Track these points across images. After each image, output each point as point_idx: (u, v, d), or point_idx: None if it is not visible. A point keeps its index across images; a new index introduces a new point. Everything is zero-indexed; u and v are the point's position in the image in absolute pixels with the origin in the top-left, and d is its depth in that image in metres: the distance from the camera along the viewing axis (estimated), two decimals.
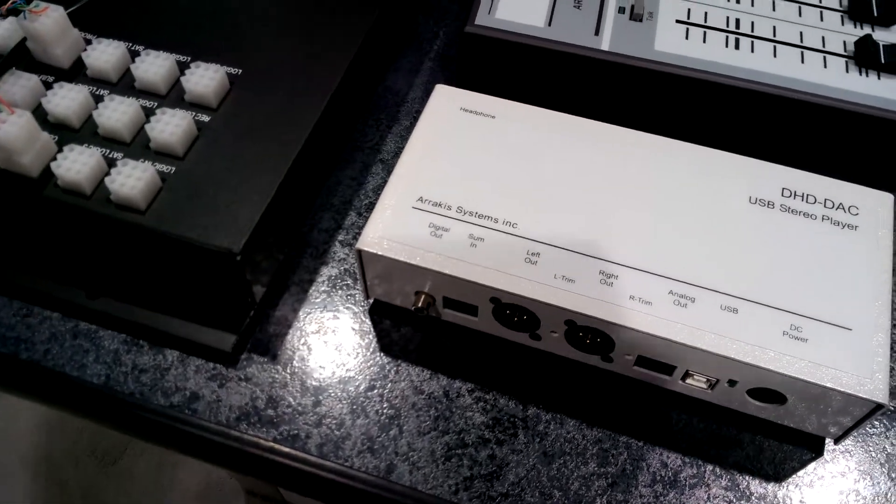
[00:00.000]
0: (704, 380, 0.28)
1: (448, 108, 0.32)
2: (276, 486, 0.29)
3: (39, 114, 0.31)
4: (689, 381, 0.28)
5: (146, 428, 0.29)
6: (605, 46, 0.34)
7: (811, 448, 0.29)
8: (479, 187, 0.29)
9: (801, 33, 0.36)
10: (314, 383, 0.30)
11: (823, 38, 0.36)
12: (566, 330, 0.28)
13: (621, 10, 0.36)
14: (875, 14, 0.36)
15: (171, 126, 0.30)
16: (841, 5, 0.37)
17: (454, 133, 0.31)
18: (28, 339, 0.31)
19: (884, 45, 0.35)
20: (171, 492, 0.99)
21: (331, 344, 0.31)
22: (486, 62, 0.36)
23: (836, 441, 0.28)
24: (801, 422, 0.28)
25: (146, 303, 0.31)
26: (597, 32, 0.35)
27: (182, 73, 0.32)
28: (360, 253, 0.28)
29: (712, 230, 0.28)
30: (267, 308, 0.32)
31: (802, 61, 0.35)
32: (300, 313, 0.32)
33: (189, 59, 0.33)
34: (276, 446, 0.28)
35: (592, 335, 0.28)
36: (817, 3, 0.37)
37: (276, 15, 0.35)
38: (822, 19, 0.36)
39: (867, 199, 0.29)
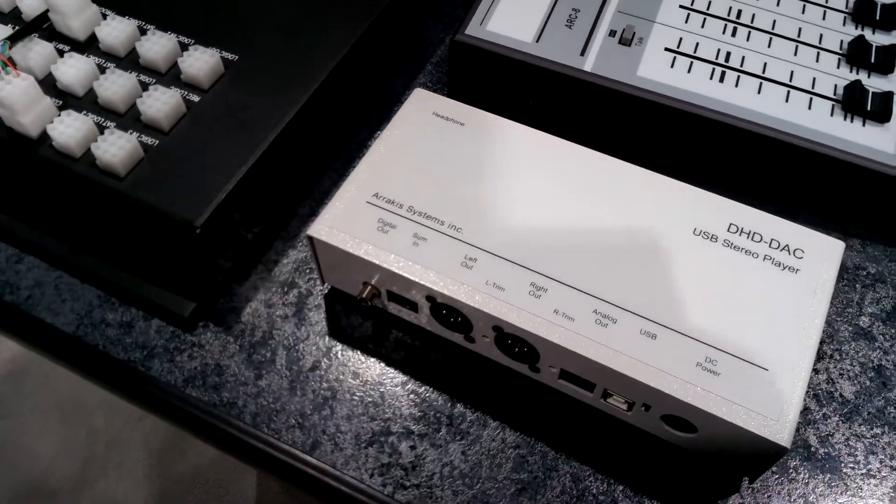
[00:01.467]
0: (623, 401, 0.28)
1: (421, 111, 0.33)
2: (212, 445, 0.31)
3: (49, 80, 0.34)
4: (609, 400, 0.29)
5: (105, 377, 0.32)
6: (587, 67, 0.35)
7: (728, 484, 0.29)
8: (434, 190, 0.31)
9: (791, 72, 0.36)
10: (260, 358, 0.32)
11: (814, 79, 0.35)
12: (496, 336, 0.29)
13: (612, 33, 0.36)
14: (873, 61, 0.36)
15: (159, 102, 0.32)
16: (841, 48, 0.37)
17: (422, 136, 0.32)
18: (15, 283, 0.34)
19: (873, 93, 0.34)
20: (187, 453, 1.04)
21: (283, 323, 0.32)
22: (472, 71, 0.37)
23: (751, 480, 0.29)
24: (716, 455, 0.28)
25: (121, 263, 0.33)
26: (582, 53, 0.36)
27: (181, 53, 0.34)
28: (310, 239, 0.30)
29: (650, 256, 0.29)
30: (232, 282, 0.34)
31: (787, 100, 0.35)
32: (261, 291, 0.33)
33: (192, 41, 0.35)
34: (214, 410, 0.30)
35: (520, 344, 0.29)
36: (816, 43, 0.37)
37: (279, 7, 0.37)
38: (817, 60, 0.36)
39: (816, 244, 0.29)
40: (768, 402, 0.25)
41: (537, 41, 0.36)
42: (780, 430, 0.25)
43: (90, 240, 0.34)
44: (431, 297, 0.29)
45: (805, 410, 0.30)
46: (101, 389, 0.33)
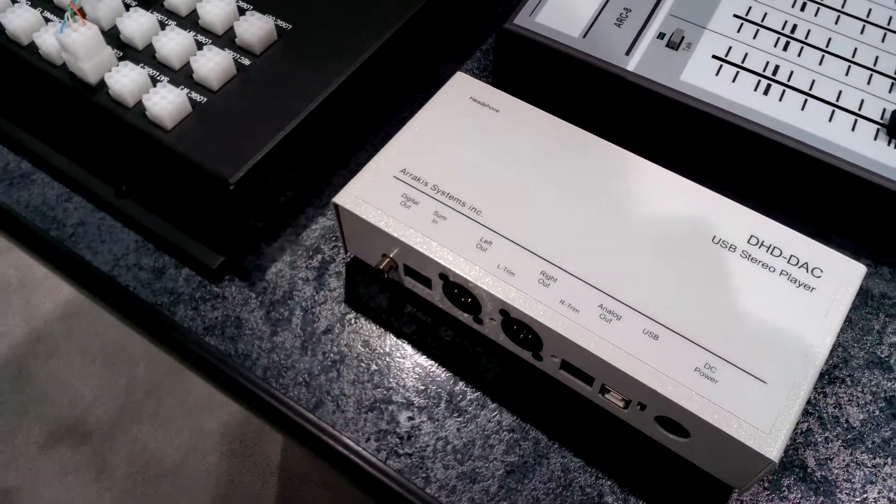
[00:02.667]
0: (620, 398, 0.28)
1: (460, 94, 0.34)
2: (221, 390, 0.32)
3: (114, 31, 0.36)
4: (607, 396, 0.29)
5: (131, 316, 0.34)
6: (630, 67, 0.35)
7: (717, 495, 0.29)
8: (460, 172, 0.31)
9: (839, 92, 0.35)
10: (277, 315, 0.33)
11: (863, 101, 0.35)
12: (502, 320, 0.29)
13: (661, 35, 0.36)
14: None
15: (211, 63, 0.34)
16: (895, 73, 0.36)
17: (457, 118, 0.33)
18: (62, 220, 0.36)
19: None
20: (218, 411, 1.07)
21: (304, 285, 0.34)
22: (517, 61, 0.38)
23: (741, 492, 0.28)
24: (706, 463, 0.28)
25: (160, 212, 0.35)
26: (628, 52, 0.36)
27: (238, 17, 0.36)
28: (336, 206, 0.31)
29: (664, 258, 0.29)
30: (261, 241, 0.35)
31: (830, 120, 0.34)
32: (287, 252, 0.35)
33: (251, 7, 0.37)
34: (228, 360, 0.32)
35: (525, 330, 0.29)
36: (870, 65, 0.36)
37: None
38: (869, 83, 0.35)
39: (836, 265, 0.29)
40: (762, 415, 0.25)
41: (584, 37, 0.36)
42: (769, 444, 0.25)
43: (134, 186, 0.36)
44: (444, 275, 0.30)
45: (807, 431, 0.30)
46: (144, 339, 0.34)
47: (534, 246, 0.29)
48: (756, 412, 0.25)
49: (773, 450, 0.25)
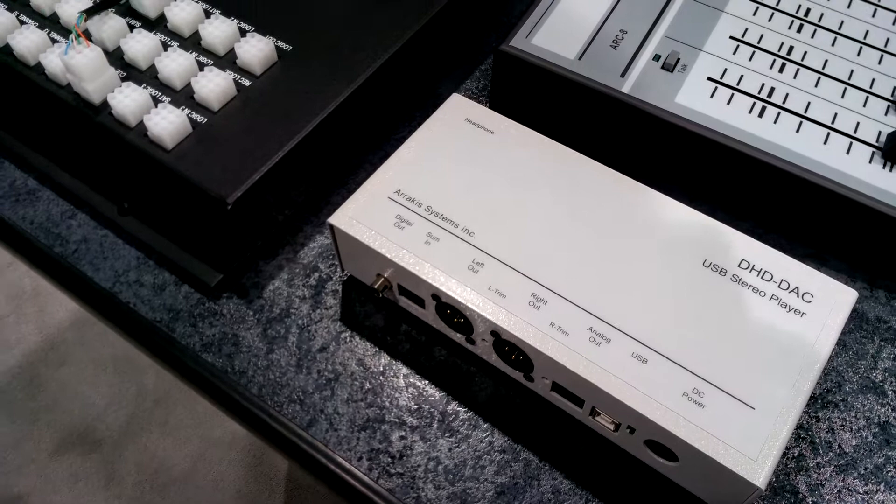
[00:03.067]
0: (610, 421, 0.29)
1: (455, 116, 0.34)
2: (217, 406, 0.32)
3: (118, 52, 0.37)
4: (597, 418, 0.29)
5: (131, 332, 0.34)
6: (625, 89, 0.35)
7: None
8: (454, 193, 0.32)
9: (835, 114, 0.35)
10: (274, 333, 0.33)
11: (858, 123, 0.35)
12: (494, 341, 0.30)
13: (656, 57, 0.37)
14: None
15: (212, 83, 0.34)
16: (893, 95, 0.36)
17: (451, 140, 0.33)
18: (65, 237, 0.36)
19: None
20: (227, 421, 1.08)
21: (301, 303, 0.34)
22: (514, 82, 0.38)
23: None
24: (695, 487, 0.28)
25: (160, 229, 0.36)
26: (623, 74, 0.36)
27: (240, 39, 0.36)
28: (331, 227, 0.31)
29: (655, 282, 0.29)
30: (259, 259, 0.35)
31: (825, 142, 0.34)
32: (285, 270, 0.35)
33: (252, 28, 0.37)
34: (224, 377, 0.32)
35: (516, 352, 0.29)
36: (867, 87, 0.36)
37: (338, 2, 0.39)
38: (864, 105, 0.35)
39: (827, 290, 0.29)
40: (749, 441, 0.25)
41: (580, 58, 0.36)
42: (756, 470, 0.25)
43: (136, 204, 0.36)
44: (436, 296, 0.30)
45: (799, 456, 0.30)
46: None
47: (525, 268, 0.29)
48: (743, 438, 0.25)
49: (759, 476, 0.25)
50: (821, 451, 0.30)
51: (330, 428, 0.31)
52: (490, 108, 0.39)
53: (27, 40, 0.36)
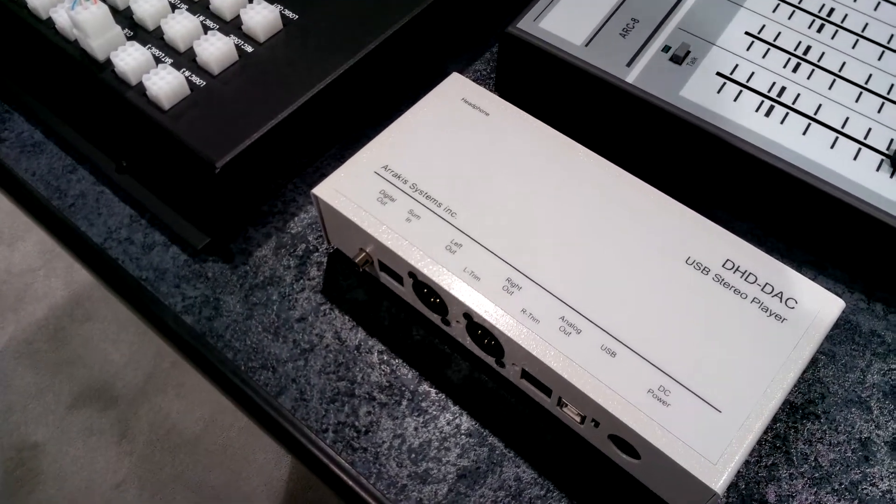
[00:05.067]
0: (576, 412, 0.28)
1: (452, 95, 0.34)
2: (192, 366, 0.33)
3: (128, 12, 0.37)
4: (564, 409, 0.29)
5: (116, 288, 0.35)
6: (629, 79, 0.34)
7: None
8: (441, 172, 0.31)
9: (846, 118, 0.34)
10: (255, 300, 0.33)
11: (869, 129, 0.33)
12: (467, 323, 0.29)
13: (665, 48, 0.36)
14: None
15: (213, 47, 0.34)
16: None
17: (445, 119, 0.33)
18: (64, 190, 0.37)
19: None
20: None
21: (285, 272, 0.34)
22: (519, 66, 0.37)
23: None
24: (657, 487, 0.28)
25: (156, 189, 0.36)
26: (629, 64, 0.35)
27: (246, 5, 0.36)
28: (315, 197, 0.31)
29: (634, 276, 0.28)
30: (248, 225, 0.36)
31: (832, 147, 0.33)
32: (272, 238, 0.35)
33: None
34: (205, 339, 0.32)
35: (488, 336, 0.29)
36: (883, 93, 0.35)
37: None
38: (879, 111, 0.34)
39: (812, 297, 0.28)
40: (711, 444, 0.25)
41: (587, 45, 0.36)
42: (715, 474, 0.24)
43: (134, 163, 0.37)
44: (413, 274, 0.30)
45: (772, 466, 0.29)
46: None
47: (503, 252, 0.29)
48: (705, 440, 0.25)
49: (717, 481, 0.24)
50: (795, 462, 0.29)
51: (299, 397, 0.31)
52: (495, 90, 0.39)
53: None
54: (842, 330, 0.32)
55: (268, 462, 1.04)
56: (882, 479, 0.29)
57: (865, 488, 0.29)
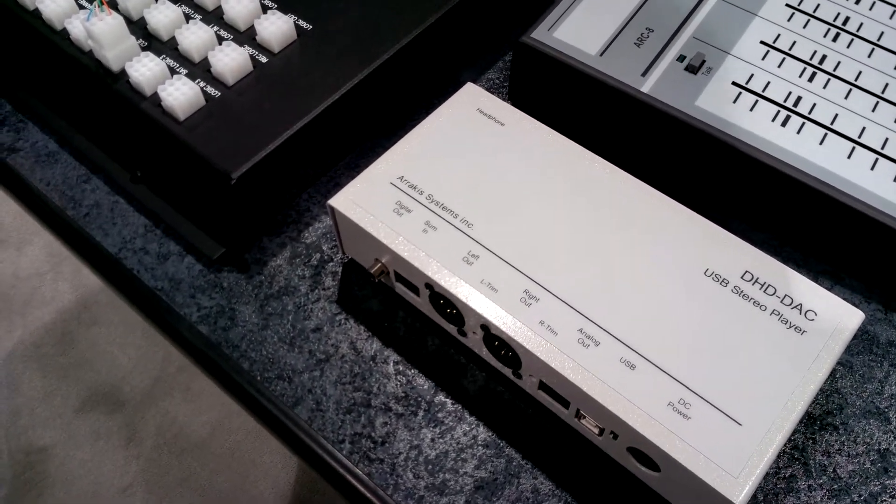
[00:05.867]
0: (594, 424, 0.28)
1: (467, 105, 0.34)
2: (209, 377, 0.33)
3: (142, 23, 0.37)
4: (582, 421, 0.28)
5: (132, 298, 0.35)
6: (644, 88, 0.34)
7: None
8: (457, 183, 0.31)
9: (863, 128, 0.34)
10: (271, 310, 0.33)
11: (887, 139, 0.33)
12: (483, 335, 0.29)
13: (681, 58, 0.36)
14: None
15: (227, 58, 0.34)
16: None
17: (460, 129, 0.33)
18: (79, 200, 0.37)
19: None
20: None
21: (300, 282, 0.34)
22: (533, 75, 0.37)
23: None
24: (677, 500, 0.27)
25: (171, 199, 0.36)
26: (644, 73, 0.35)
27: (260, 15, 0.36)
28: (331, 208, 0.31)
29: (652, 288, 0.28)
30: (263, 235, 0.36)
31: (849, 157, 0.33)
32: (287, 249, 0.35)
33: (275, 6, 0.37)
34: (221, 350, 0.32)
35: (505, 348, 0.29)
36: None
37: None
38: None
39: (831, 309, 0.28)
40: (732, 457, 0.25)
41: (601, 55, 0.36)
42: (735, 488, 0.24)
43: (148, 173, 0.37)
44: (430, 285, 0.30)
45: (790, 477, 0.29)
46: None
47: (521, 264, 0.29)
48: (726, 454, 0.25)
49: (738, 494, 0.24)
50: (814, 473, 0.29)
51: (316, 408, 0.31)
52: (508, 99, 0.39)
53: (55, 4, 0.37)
54: (859, 340, 0.32)
55: (275, 465, 1.04)
56: None
57: (885, 500, 0.29)
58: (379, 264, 0.32)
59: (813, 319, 0.28)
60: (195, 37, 0.35)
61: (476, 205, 0.31)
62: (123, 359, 1.14)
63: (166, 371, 1.13)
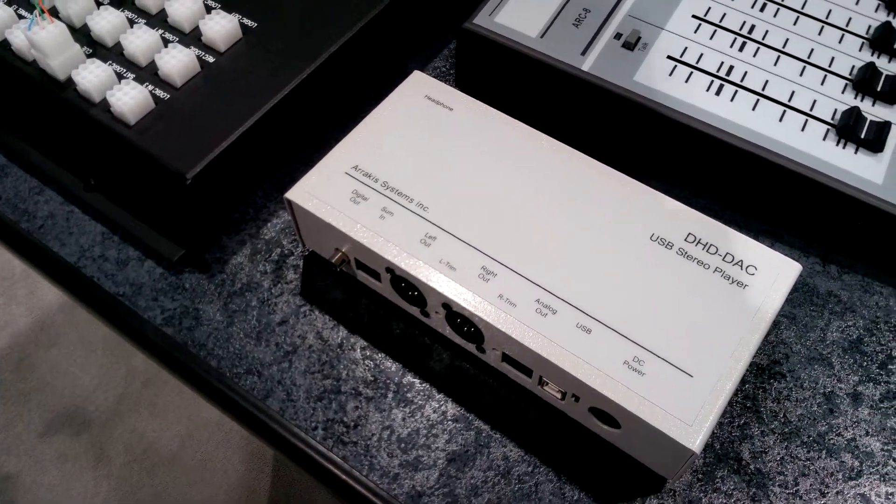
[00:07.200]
0: (557, 390, 0.29)
1: (415, 93, 0.35)
2: (178, 379, 0.33)
3: (85, 29, 0.37)
4: (545, 387, 0.30)
5: (95, 307, 0.35)
6: (585, 67, 0.36)
7: (650, 484, 0.30)
8: (410, 169, 0.32)
9: (792, 92, 0.35)
10: (235, 307, 0.34)
11: (815, 101, 0.35)
12: (446, 313, 0.30)
13: (617, 36, 0.37)
14: (879, 89, 0.35)
15: (174, 60, 0.35)
16: (850, 74, 0.36)
17: (410, 116, 0.34)
18: (32, 212, 0.37)
19: (870, 121, 0.34)
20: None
21: (262, 277, 0.35)
22: (478, 60, 0.38)
23: (672, 482, 0.29)
24: (638, 453, 0.29)
25: (126, 205, 0.36)
26: (584, 53, 0.36)
27: (205, 16, 0.37)
28: (288, 201, 0.32)
29: (603, 255, 0.30)
30: (222, 234, 0.36)
31: (781, 120, 0.34)
32: (247, 246, 0.36)
33: (219, 5, 0.38)
34: (187, 350, 0.33)
35: (468, 324, 0.30)
36: (825, 66, 0.36)
37: None
38: (822, 83, 0.36)
39: (770, 262, 0.29)
40: (686, 407, 0.26)
41: (542, 37, 0.37)
42: (691, 435, 0.26)
43: (102, 180, 0.37)
44: (390, 269, 0.31)
45: (744, 425, 0.31)
46: None
47: (477, 242, 0.30)
48: (680, 405, 0.26)
49: (695, 441, 0.26)
50: (766, 419, 0.31)
51: (286, 398, 0.32)
52: (455, 86, 0.40)
53: None
54: (800, 293, 0.34)
55: (249, 472, 1.03)
56: (846, 429, 0.31)
57: (832, 438, 0.30)
58: (339, 253, 0.32)
59: (754, 274, 0.29)
60: (140, 41, 0.35)
61: (430, 188, 0.31)
62: (85, 378, 1.12)
63: (131, 387, 1.11)
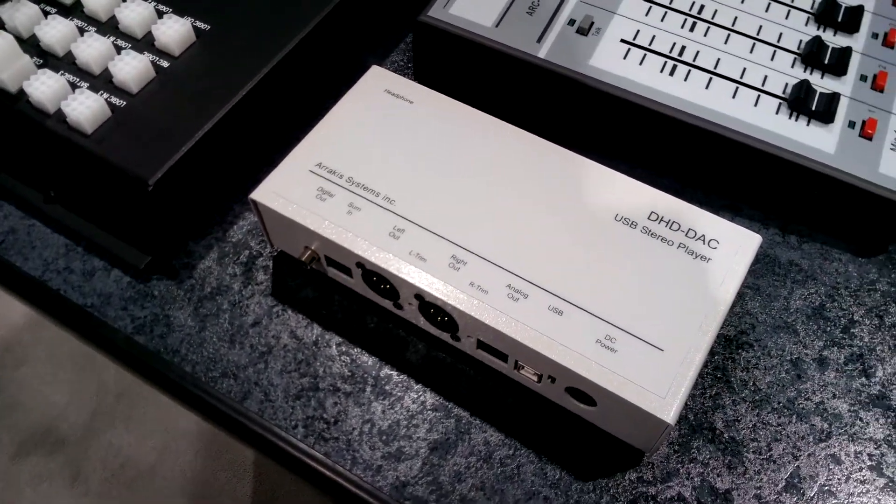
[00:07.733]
0: (532, 372, 0.30)
1: (374, 87, 0.35)
2: (155, 388, 0.33)
3: (34, 40, 0.36)
4: (521, 371, 0.30)
5: (63, 320, 0.34)
6: (541, 54, 0.36)
7: (629, 459, 0.30)
8: (374, 163, 0.32)
9: (744, 69, 0.36)
10: (206, 311, 0.34)
11: (766, 77, 0.36)
12: (419, 304, 0.30)
13: (571, 22, 0.37)
14: (826, 62, 0.36)
15: (129, 66, 0.34)
16: (799, 48, 0.37)
17: (371, 111, 0.34)
18: None
19: (820, 93, 0.35)
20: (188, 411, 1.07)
21: (232, 280, 0.35)
22: (435, 53, 0.39)
23: (650, 454, 0.30)
24: (615, 428, 0.29)
25: (87, 215, 0.36)
26: (539, 40, 0.37)
27: (157, 21, 0.36)
28: (254, 202, 0.32)
29: (570, 238, 0.30)
30: (188, 239, 0.36)
31: (734, 97, 0.35)
32: (214, 249, 0.35)
33: (170, 10, 0.37)
34: (160, 357, 0.33)
35: (441, 314, 0.30)
36: (774, 42, 0.37)
37: None
38: (772, 59, 0.37)
39: (731, 236, 0.30)
40: (658, 381, 0.27)
41: (497, 26, 0.37)
42: (665, 407, 0.26)
43: (62, 191, 0.36)
44: (361, 264, 0.31)
45: (716, 395, 0.31)
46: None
47: (445, 231, 0.30)
48: (653, 378, 0.27)
49: (669, 413, 0.26)
50: (736, 388, 0.32)
51: (265, 399, 0.32)
52: (414, 79, 0.40)
53: None
54: (762, 264, 0.35)
55: (230, 479, 1.03)
56: (814, 393, 0.32)
57: (801, 403, 0.31)
58: (309, 251, 0.32)
59: (716, 248, 0.30)
60: (92, 49, 0.35)
61: (395, 181, 0.32)
62: (56, 396, 1.10)
63: (104, 402, 1.09)
